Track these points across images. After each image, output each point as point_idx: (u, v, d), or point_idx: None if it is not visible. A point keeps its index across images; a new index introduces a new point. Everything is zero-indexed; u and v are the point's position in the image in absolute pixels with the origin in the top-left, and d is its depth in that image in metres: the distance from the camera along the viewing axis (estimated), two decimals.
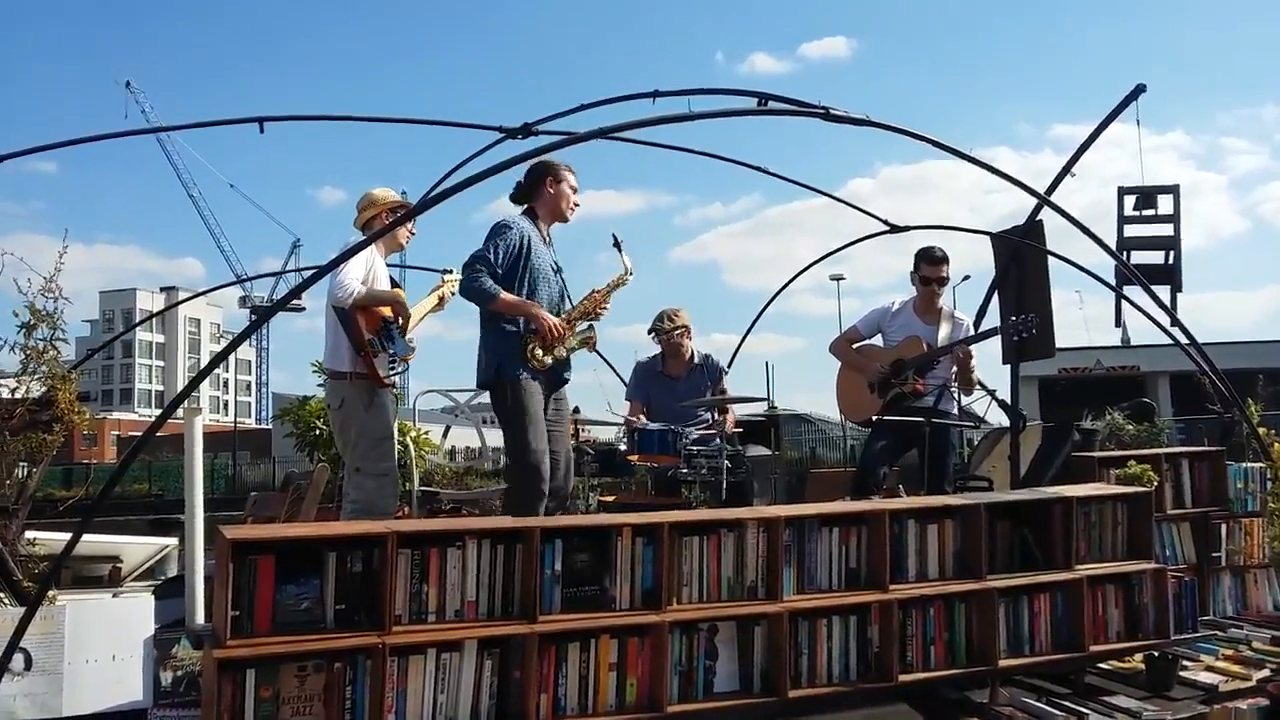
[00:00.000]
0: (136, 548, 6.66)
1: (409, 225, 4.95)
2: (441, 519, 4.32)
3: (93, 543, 6.57)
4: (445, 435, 7.15)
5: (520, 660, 3.24)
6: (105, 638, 3.24)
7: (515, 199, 4.83)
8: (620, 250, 4.74)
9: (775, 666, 3.60)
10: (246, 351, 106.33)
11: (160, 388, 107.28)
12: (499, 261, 4.51)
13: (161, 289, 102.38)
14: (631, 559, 3.49)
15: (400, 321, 4.72)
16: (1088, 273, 5.24)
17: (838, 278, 41.93)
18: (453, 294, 5.13)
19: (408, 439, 6.07)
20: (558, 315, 4.66)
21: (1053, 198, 6.18)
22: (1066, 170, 5.85)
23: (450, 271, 5.18)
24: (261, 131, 4.09)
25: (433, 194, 4.52)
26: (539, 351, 4.54)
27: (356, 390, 4.55)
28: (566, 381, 4.81)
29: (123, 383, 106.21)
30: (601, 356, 8.30)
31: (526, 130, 4.56)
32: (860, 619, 3.77)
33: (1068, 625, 4.14)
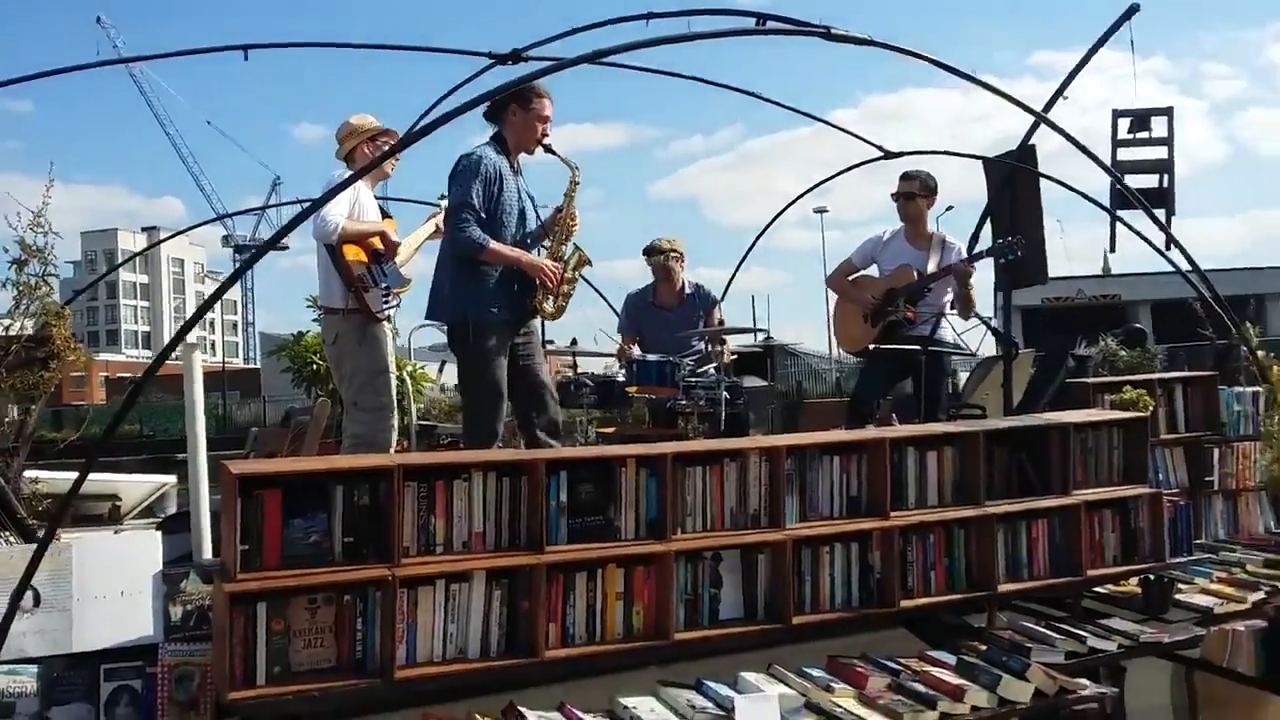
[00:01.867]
0: (135, 486, 6.68)
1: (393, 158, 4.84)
2: (445, 451, 4.31)
3: (91, 481, 6.58)
4: (441, 370, 7.12)
5: (528, 590, 3.26)
6: (113, 574, 3.24)
7: (487, 117, 4.62)
8: (556, 154, 4.53)
9: (779, 594, 3.64)
10: (233, 292, 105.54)
11: (146, 328, 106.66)
12: (482, 203, 4.35)
13: (143, 229, 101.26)
14: (636, 490, 3.51)
15: (391, 253, 4.63)
16: (1084, 196, 5.23)
17: (821, 210, 41.83)
18: None
19: (404, 374, 6.05)
20: (536, 249, 4.55)
21: (1030, 150, 6.17)
22: (1059, 93, 5.81)
23: (445, 198, 5.08)
24: (246, 59, 4.00)
25: (420, 125, 4.38)
26: (548, 304, 4.46)
27: (350, 325, 4.52)
28: (533, 315, 4.67)
29: (108, 324, 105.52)
30: (591, 285, 8.23)
31: (516, 56, 4.46)
32: (862, 546, 3.81)
33: (1065, 550, 4.19)
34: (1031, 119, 5.60)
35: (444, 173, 4.46)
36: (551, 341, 6.93)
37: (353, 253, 4.49)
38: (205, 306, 3.59)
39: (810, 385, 29.31)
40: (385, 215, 4.94)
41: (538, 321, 4.77)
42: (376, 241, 4.52)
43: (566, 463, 3.43)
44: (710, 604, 3.59)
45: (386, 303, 4.55)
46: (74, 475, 6.96)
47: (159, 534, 3.48)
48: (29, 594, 3.11)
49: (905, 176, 5.80)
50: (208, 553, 3.40)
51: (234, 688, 2.90)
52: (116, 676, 3.13)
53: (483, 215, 4.36)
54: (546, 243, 4.62)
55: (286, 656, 3.01)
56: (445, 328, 4.63)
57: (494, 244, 4.35)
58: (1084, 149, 4.32)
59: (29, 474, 6.61)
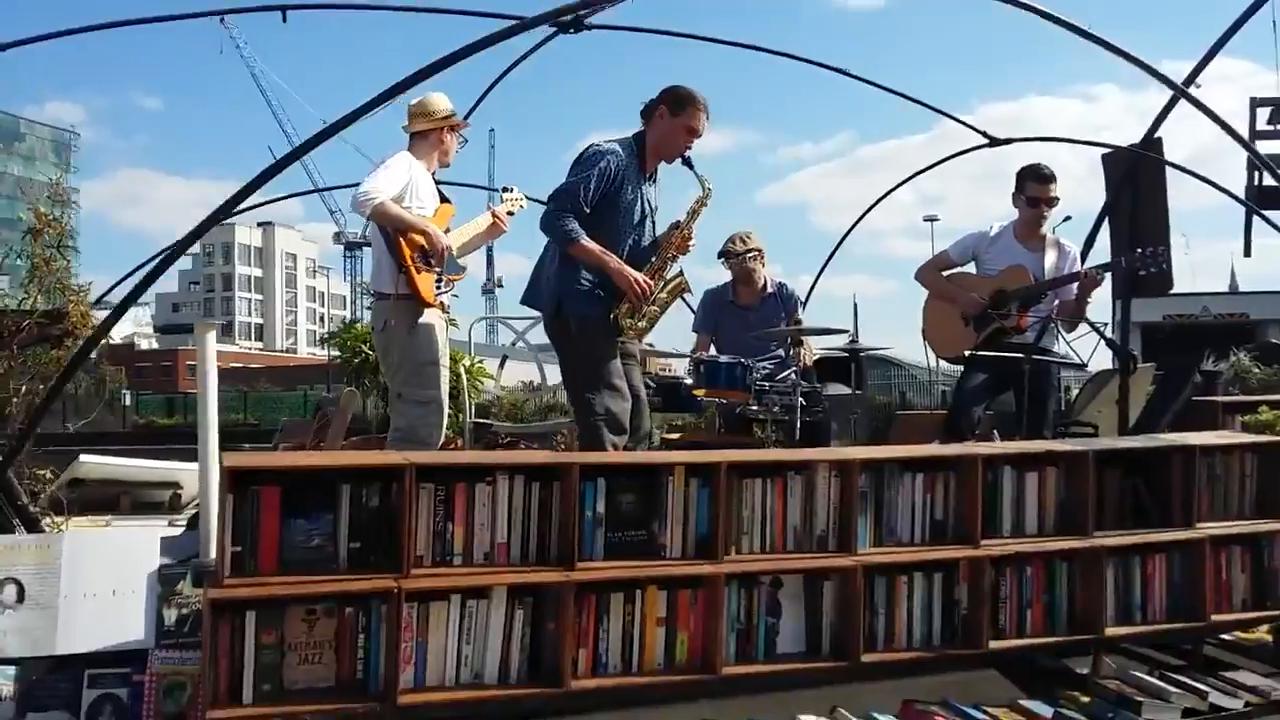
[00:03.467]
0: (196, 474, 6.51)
1: (459, 137, 4.53)
2: (469, 451, 3.98)
3: (153, 469, 6.44)
4: (501, 367, 6.81)
5: (556, 611, 2.88)
6: (105, 571, 2.97)
7: (642, 114, 4.28)
8: (692, 168, 4.21)
9: (847, 627, 3.19)
10: (341, 286, 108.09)
11: (259, 320, 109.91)
12: (589, 199, 4.02)
13: (259, 224, 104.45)
14: (685, 502, 3.10)
15: (437, 256, 4.26)
16: (1221, 189, 4.64)
17: (931, 218, 40.83)
18: (511, 214, 4.72)
19: (460, 368, 5.75)
20: (643, 267, 4.16)
21: (1160, 134, 5.58)
22: (1191, 80, 5.20)
23: (510, 190, 4.76)
24: (284, 20, 3.72)
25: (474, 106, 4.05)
26: (626, 319, 4.08)
27: (400, 311, 4.21)
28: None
29: (224, 315, 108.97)
30: (688, 305, 7.81)
31: (578, 22, 4.07)
32: (946, 577, 3.34)
33: (1185, 591, 3.64)
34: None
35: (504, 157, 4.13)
36: (651, 345, 6.58)
37: (406, 237, 4.18)
38: (166, 264, 3.34)
39: (914, 397, 28.38)
40: (444, 200, 4.63)
41: None
42: (423, 241, 4.17)
43: (606, 468, 3.05)
44: (766, 635, 3.15)
45: (439, 289, 4.23)
46: (138, 462, 6.84)
47: (158, 530, 3.20)
48: (12, 588, 2.85)
49: (1043, 177, 5.12)
50: (214, 552, 3.10)
51: (217, 705, 2.59)
52: (101, 684, 2.86)
53: (585, 209, 4.02)
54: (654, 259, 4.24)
55: (279, 673, 2.68)
56: (541, 316, 4.35)
57: (584, 240, 4.01)
58: (1228, 128, 3.75)
59: (87, 458, 6.51)
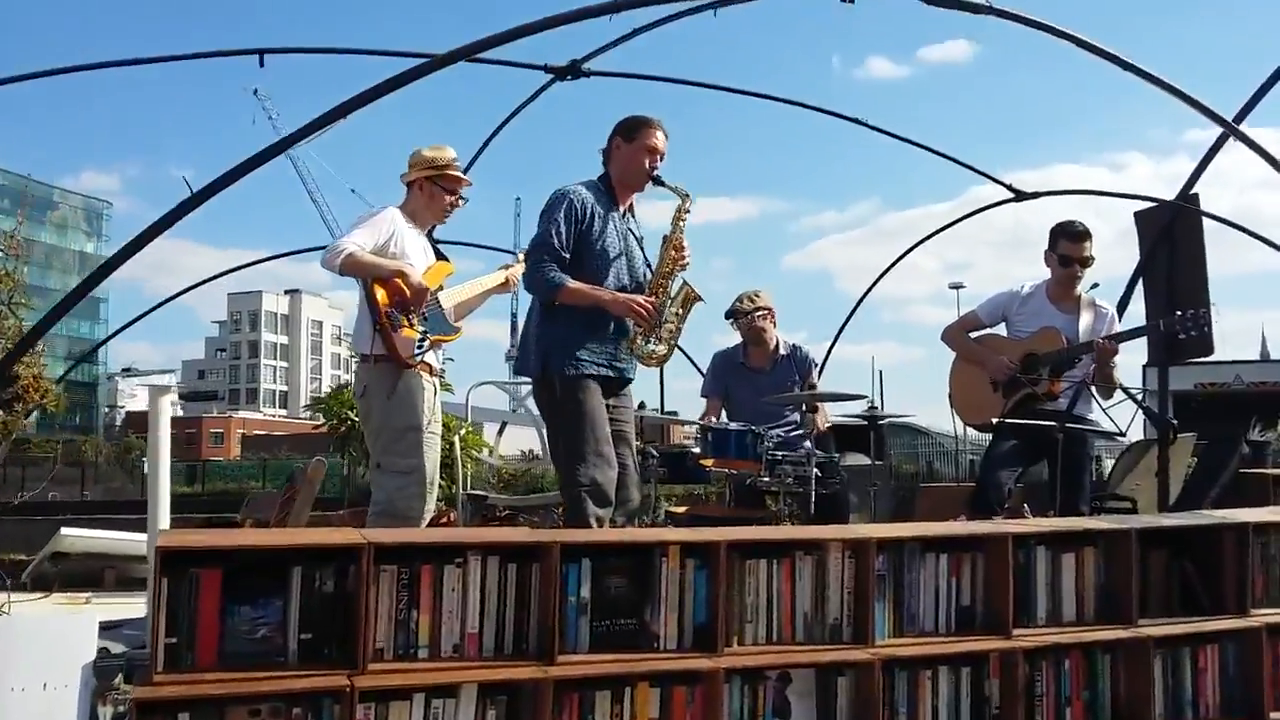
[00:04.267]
0: None
1: (457, 192, 4.29)
2: (436, 529, 3.65)
3: (138, 541, 6.16)
4: (500, 433, 6.52)
5: (533, 712, 2.56)
6: (38, 662, 2.66)
7: (603, 157, 4.10)
8: (664, 183, 3.94)
9: None
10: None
11: (284, 388, 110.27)
12: (564, 243, 3.82)
13: (285, 291, 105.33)
14: (680, 586, 2.79)
15: (416, 299, 3.96)
16: (1272, 244, 4.31)
17: (957, 286, 40.50)
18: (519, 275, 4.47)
19: (454, 437, 5.46)
20: (641, 292, 3.94)
21: (1194, 198, 5.30)
22: (1241, 119, 4.89)
23: (511, 266, 4.52)
24: (261, 65, 3.51)
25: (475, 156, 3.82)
26: (648, 344, 3.86)
27: (379, 374, 3.93)
28: (628, 381, 4.07)
29: (249, 382, 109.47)
30: (686, 355, 7.54)
31: (575, 69, 3.86)
32: (975, 671, 2.99)
33: (1241, 685, 3.29)
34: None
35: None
36: (674, 412, 6.27)
37: (379, 290, 3.91)
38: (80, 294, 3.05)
39: (942, 467, 27.79)
40: (441, 258, 4.37)
41: (634, 387, 4.13)
42: (399, 283, 3.91)
43: (592, 548, 2.73)
44: None
45: (421, 349, 3.93)
46: (123, 535, 6.53)
47: (96, 614, 2.90)
48: None
49: (1077, 234, 4.78)
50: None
51: None
52: None
53: (565, 256, 3.81)
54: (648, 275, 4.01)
55: None
56: (531, 382, 4.09)
57: (571, 283, 3.78)
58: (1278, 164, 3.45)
59: (68, 531, 6.22)
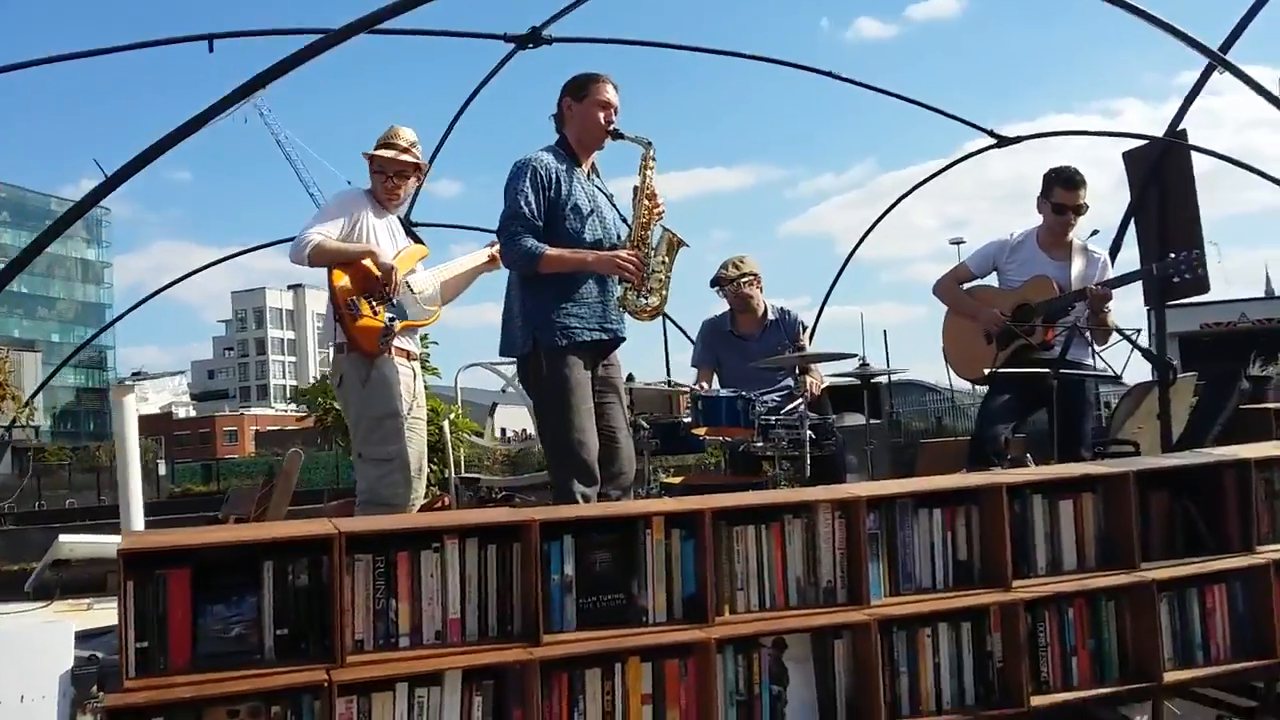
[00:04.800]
0: None
1: (385, 171, 4.07)
2: (411, 514, 3.57)
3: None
4: (492, 414, 6.43)
5: (520, 695, 2.49)
6: (14, 674, 2.59)
7: (555, 123, 3.98)
8: (623, 136, 3.84)
9: (865, 692, 2.77)
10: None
11: (294, 382, 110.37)
12: (536, 211, 3.71)
13: (289, 286, 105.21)
14: (667, 557, 2.72)
15: (386, 280, 3.84)
16: (1270, 177, 4.19)
17: (957, 241, 40.18)
18: None
19: (444, 421, 5.38)
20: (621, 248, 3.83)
21: (1181, 134, 5.19)
22: (1227, 49, 4.76)
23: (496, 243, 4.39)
24: (210, 50, 3.40)
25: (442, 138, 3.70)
26: (639, 298, 3.76)
27: (353, 363, 3.85)
28: (621, 340, 3.96)
29: (258, 379, 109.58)
30: (666, 316, 7.42)
31: (536, 36, 3.73)
32: (976, 626, 2.92)
33: (1251, 624, 3.21)
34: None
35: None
36: (667, 382, 6.16)
37: (339, 278, 3.82)
38: None
39: (952, 422, 27.58)
40: (417, 241, 4.28)
41: (619, 354, 4.03)
42: (368, 264, 3.82)
43: (572, 524, 2.66)
44: (772, 707, 2.74)
45: (388, 335, 3.84)
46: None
47: (73, 622, 2.83)
48: None
49: (1071, 182, 4.66)
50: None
51: None
52: None
53: (538, 224, 3.70)
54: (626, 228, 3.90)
55: None
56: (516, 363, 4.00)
57: (550, 250, 3.68)
58: (1268, 94, 3.34)
59: (66, 538, 6.18)
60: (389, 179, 4.04)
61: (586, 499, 3.63)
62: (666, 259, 3.85)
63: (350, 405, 3.90)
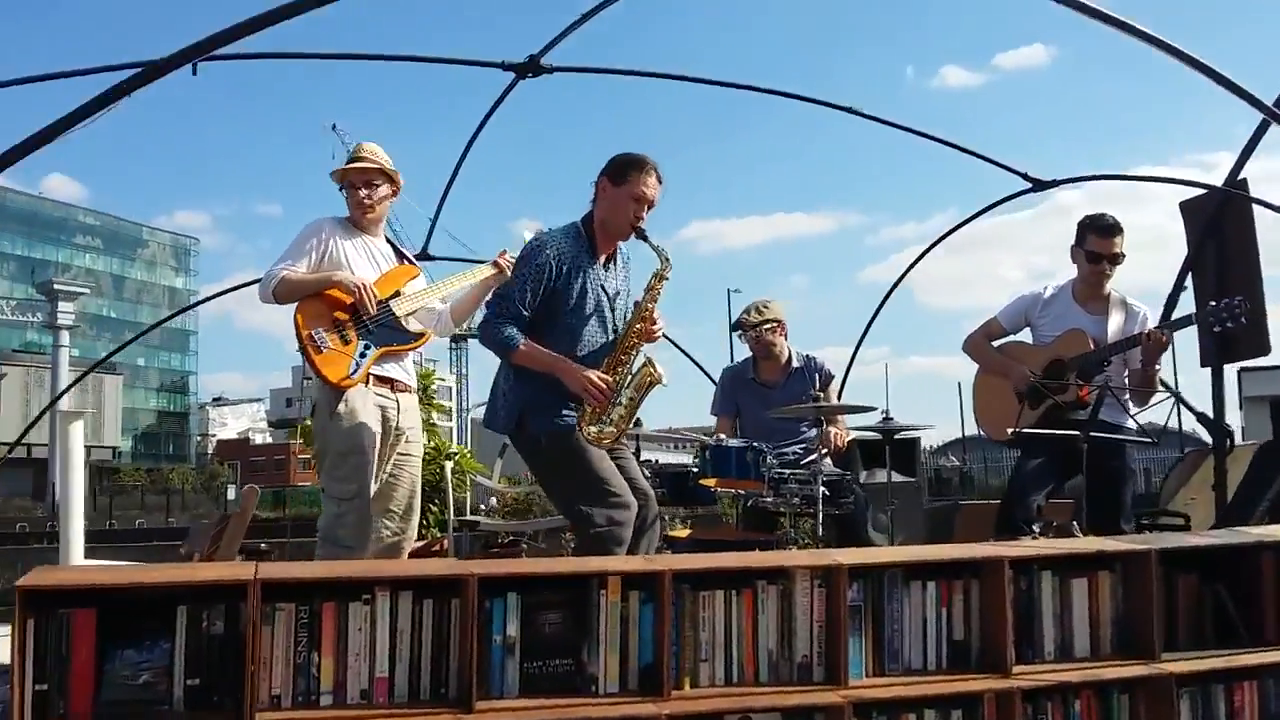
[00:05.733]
0: None
1: (354, 184, 3.89)
2: (339, 564, 3.34)
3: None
4: (501, 455, 6.25)
5: None
6: None
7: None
8: (646, 240, 3.60)
9: None
10: (448, 377, 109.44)
11: None
12: (528, 302, 3.52)
13: (439, 336, 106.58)
14: (622, 621, 2.50)
15: (362, 306, 3.64)
16: None
17: None
18: (511, 261, 4.10)
19: (445, 460, 5.21)
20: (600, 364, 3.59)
21: (1242, 184, 4.86)
22: None
23: (507, 252, 4.17)
24: (194, 74, 3.31)
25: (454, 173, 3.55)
26: (592, 428, 3.49)
27: (326, 394, 3.69)
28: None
29: None
30: (692, 360, 7.19)
31: (535, 65, 3.58)
32: (968, 715, 2.64)
33: None
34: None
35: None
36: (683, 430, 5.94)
37: (304, 309, 3.65)
38: None
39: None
40: (405, 260, 4.08)
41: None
42: (337, 293, 3.65)
43: (519, 580, 2.46)
44: None
45: (360, 365, 3.65)
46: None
47: None
48: None
49: (1106, 229, 4.36)
50: None
51: None
52: None
53: (525, 314, 3.52)
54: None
55: None
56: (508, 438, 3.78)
57: (524, 344, 3.48)
58: None
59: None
60: (358, 190, 3.88)
61: (622, 540, 3.38)
62: (634, 395, 3.58)
63: (317, 436, 3.74)
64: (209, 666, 2.26)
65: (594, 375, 3.48)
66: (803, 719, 2.54)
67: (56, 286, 46.42)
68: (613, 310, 3.67)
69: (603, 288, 3.66)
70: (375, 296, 3.72)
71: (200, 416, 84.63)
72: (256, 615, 2.22)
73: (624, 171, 3.60)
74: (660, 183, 3.64)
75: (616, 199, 3.60)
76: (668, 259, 3.59)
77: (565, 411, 3.53)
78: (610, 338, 3.65)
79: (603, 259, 3.68)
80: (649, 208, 3.62)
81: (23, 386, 41.20)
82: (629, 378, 3.56)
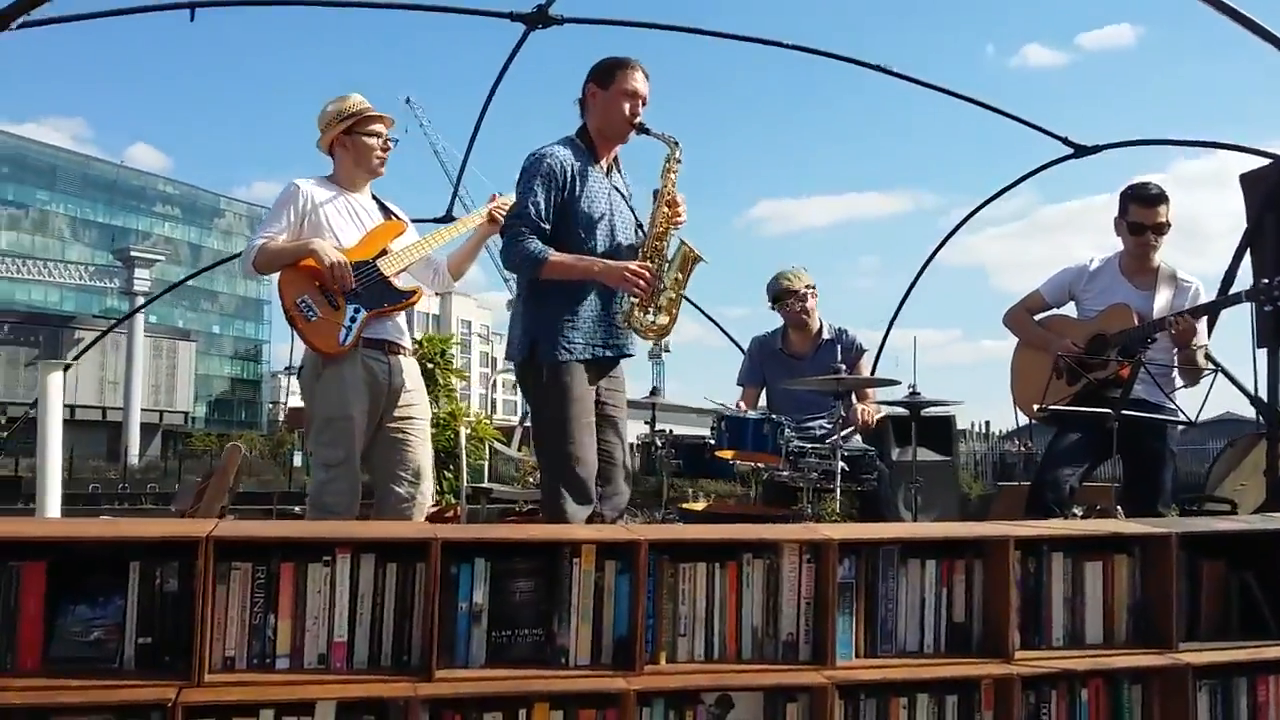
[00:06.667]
0: None
1: (382, 134, 3.79)
2: (299, 523, 3.28)
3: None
4: (522, 422, 6.14)
5: None
6: None
7: (580, 108, 3.66)
8: (649, 132, 3.48)
9: None
10: (500, 351, 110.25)
11: None
12: (543, 213, 3.42)
13: (436, 293, 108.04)
14: (597, 593, 2.39)
15: (341, 276, 3.53)
16: None
17: None
18: (505, 205, 3.97)
19: (458, 427, 5.13)
20: (634, 256, 3.50)
21: None
22: None
23: (499, 195, 4.04)
24: (192, 19, 3.22)
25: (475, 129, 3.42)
26: (645, 315, 3.43)
27: (310, 360, 3.61)
28: (626, 356, 3.65)
29: None
30: (718, 326, 7.01)
31: (544, 16, 3.44)
32: (964, 701, 2.49)
33: None
34: None
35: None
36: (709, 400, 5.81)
37: (288, 278, 3.56)
38: None
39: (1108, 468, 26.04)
40: (392, 217, 3.95)
41: (623, 367, 3.71)
42: (311, 265, 3.54)
43: (489, 546, 2.36)
44: None
45: (350, 329, 3.55)
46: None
47: None
48: None
49: (1149, 198, 4.15)
50: None
51: None
52: None
53: (545, 226, 3.41)
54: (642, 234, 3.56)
55: None
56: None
57: (554, 255, 3.38)
58: None
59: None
60: (383, 140, 3.78)
61: (576, 518, 3.34)
62: (680, 275, 3.49)
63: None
64: (161, 625, 2.20)
65: (633, 264, 3.39)
66: (785, 700, 2.42)
67: (134, 253, 47.50)
68: (630, 209, 3.58)
69: (615, 190, 3.57)
70: (349, 275, 3.58)
71: (272, 384, 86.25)
72: (208, 573, 2.14)
73: (610, 72, 3.52)
74: (647, 78, 3.55)
75: (609, 101, 3.51)
76: (676, 143, 3.49)
77: (578, 339, 3.45)
78: (628, 243, 3.55)
79: (605, 164, 3.58)
80: (643, 103, 3.53)
81: (99, 349, 42.21)
82: (667, 264, 3.46)
